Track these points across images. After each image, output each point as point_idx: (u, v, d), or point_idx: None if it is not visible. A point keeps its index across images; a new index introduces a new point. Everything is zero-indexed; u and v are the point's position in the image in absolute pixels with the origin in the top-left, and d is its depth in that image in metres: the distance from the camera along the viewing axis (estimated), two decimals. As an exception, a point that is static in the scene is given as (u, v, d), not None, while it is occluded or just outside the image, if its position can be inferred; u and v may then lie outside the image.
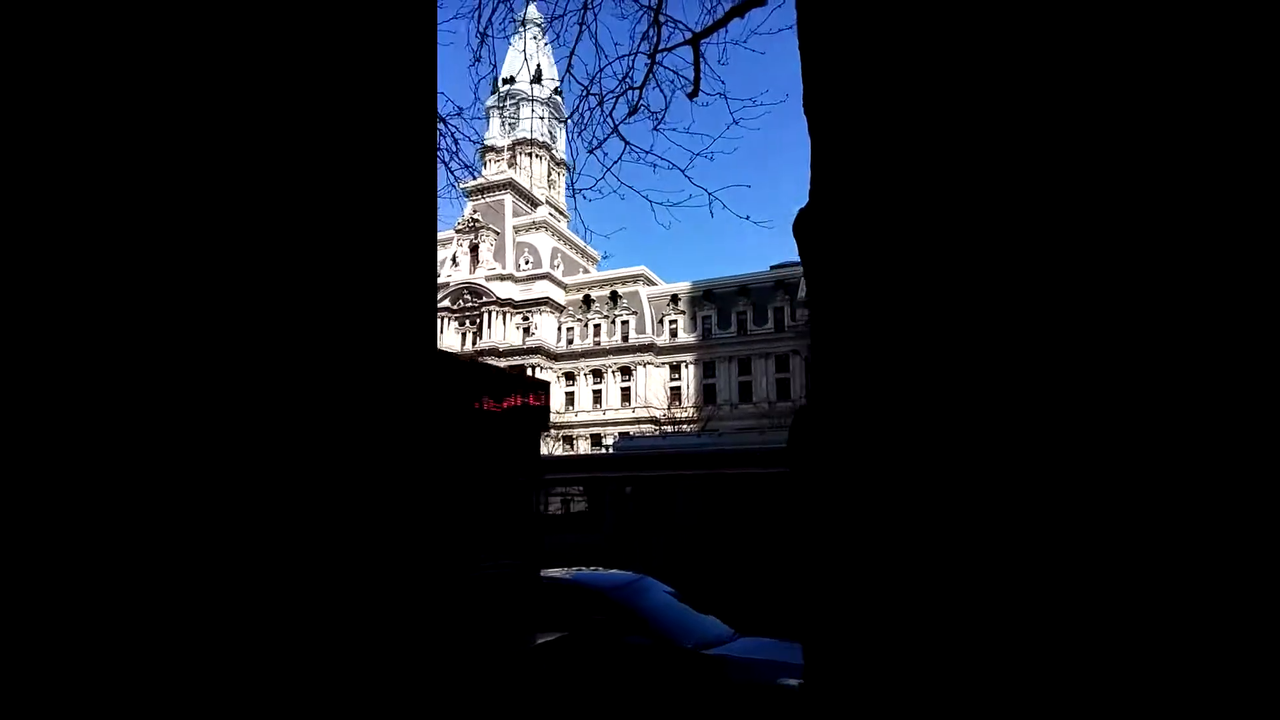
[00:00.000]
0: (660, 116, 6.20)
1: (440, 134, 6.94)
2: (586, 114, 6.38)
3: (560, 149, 70.96)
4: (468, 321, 58.01)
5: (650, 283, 59.28)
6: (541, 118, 62.30)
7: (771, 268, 55.02)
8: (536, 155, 69.30)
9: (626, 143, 6.28)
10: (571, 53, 6.05)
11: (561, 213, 68.36)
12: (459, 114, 7.36)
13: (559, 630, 5.01)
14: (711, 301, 55.01)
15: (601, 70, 5.97)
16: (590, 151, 6.37)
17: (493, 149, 61.75)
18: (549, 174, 70.82)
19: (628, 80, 6.09)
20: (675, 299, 56.37)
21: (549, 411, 5.55)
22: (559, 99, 62.54)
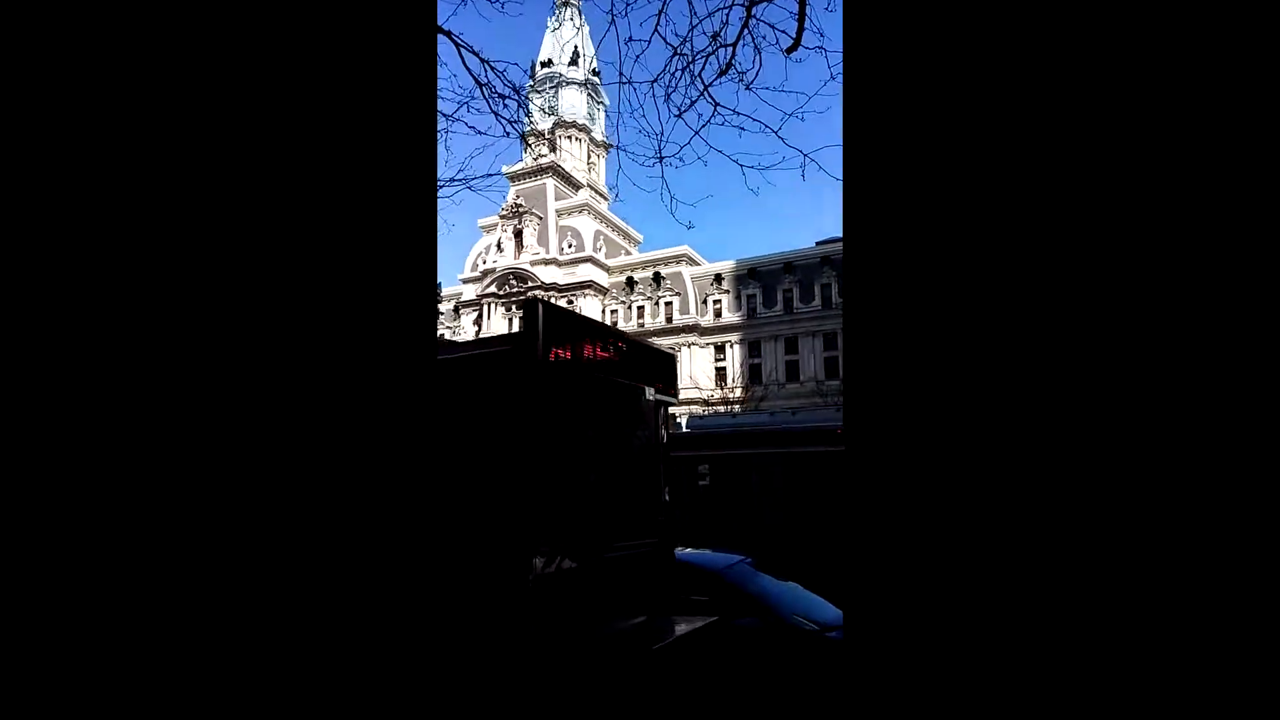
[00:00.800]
0: (754, 74, 5.91)
1: (518, 105, 6.76)
2: (677, 75, 6.08)
3: (599, 130, 70.52)
4: (514, 307, 58.31)
5: (693, 262, 58.72)
6: (580, 88, 61.93)
7: (817, 243, 53.94)
8: (576, 138, 69.03)
9: (716, 104, 6.00)
10: (661, 10, 5.77)
11: (602, 195, 68.04)
12: (532, 86, 7.16)
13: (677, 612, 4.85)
14: (756, 280, 54.20)
15: (693, 29, 5.68)
16: (679, 115, 6.12)
17: (533, 133, 61.68)
18: (589, 156, 70.51)
19: (720, 38, 5.78)
20: (719, 278, 55.73)
21: (678, 386, 5.35)
22: (597, 80, 62.17)
